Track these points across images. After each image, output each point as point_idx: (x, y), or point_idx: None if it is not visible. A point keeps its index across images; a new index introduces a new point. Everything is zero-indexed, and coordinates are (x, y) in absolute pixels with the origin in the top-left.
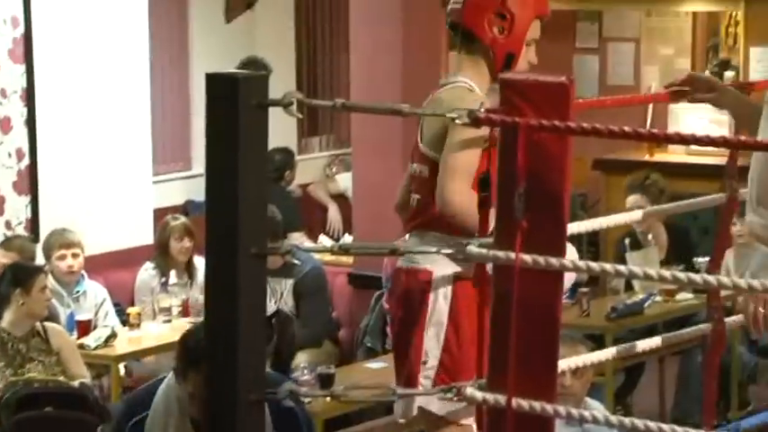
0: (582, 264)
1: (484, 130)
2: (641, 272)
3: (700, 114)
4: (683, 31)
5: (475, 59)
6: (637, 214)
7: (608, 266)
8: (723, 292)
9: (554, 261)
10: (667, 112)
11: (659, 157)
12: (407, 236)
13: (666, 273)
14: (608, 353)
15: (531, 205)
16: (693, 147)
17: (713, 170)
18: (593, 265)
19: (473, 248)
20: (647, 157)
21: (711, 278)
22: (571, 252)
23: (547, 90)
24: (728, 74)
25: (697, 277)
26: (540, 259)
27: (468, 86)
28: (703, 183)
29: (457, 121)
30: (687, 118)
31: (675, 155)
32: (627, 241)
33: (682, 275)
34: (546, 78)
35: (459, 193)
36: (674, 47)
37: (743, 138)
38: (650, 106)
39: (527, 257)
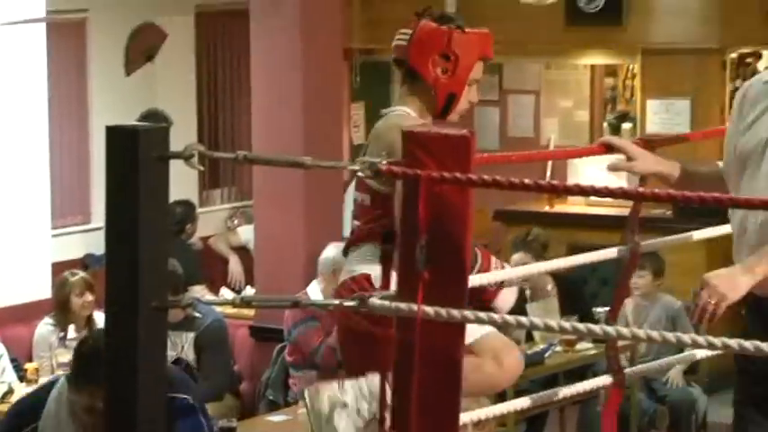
0: (484, 315)
1: None
2: (542, 323)
3: (599, 165)
4: (581, 84)
5: (417, 95)
6: (538, 266)
7: (509, 318)
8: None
9: (456, 313)
10: (567, 164)
11: (559, 208)
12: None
13: (566, 324)
14: (510, 405)
15: (433, 257)
16: (593, 198)
17: (613, 221)
18: (495, 316)
19: (375, 301)
20: (547, 208)
21: (610, 329)
22: (512, 292)
23: (449, 142)
24: (626, 126)
25: (596, 328)
26: (442, 311)
27: (406, 114)
28: (603, 233)
29: (361, 173)
30: (587, 169)
31: (575, 206)
32: (528, 292)
33: (581, 326)
34: (448, 131)
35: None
36: (573, 99)
37: (641, 189)
38: None
39: (429, 309)
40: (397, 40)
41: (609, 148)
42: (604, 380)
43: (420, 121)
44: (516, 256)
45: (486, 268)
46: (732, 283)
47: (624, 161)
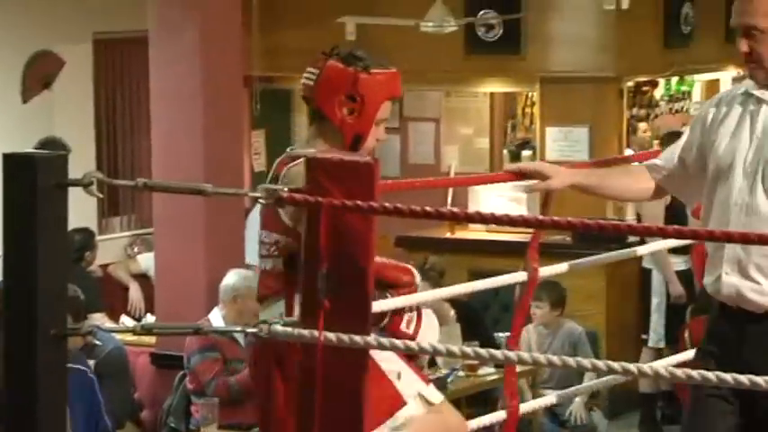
0: (386, 341)
1: None
2: (444, 348)
3: (499, 192)
4: (481, 112)
5: (324, 135)
6: (441, 292)
7: (412, 344)
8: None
9: (358, 339)
10: (468, 191)
11: (460, 234)
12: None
13: (468, 349)
14: None
15: (335, 284)
16: (493, 226)
17: (514, 247)
18: (398, 342)
19: (278, 327)
20: (448, 235)
21: (512, 354)
22: (431, 318)
23: (352, 170)
24: (526, 153)
25: (497, 353)
26: (344, 337)
27: None
28: (504, 259)
29: (262, 201)
30: (487, 196)
31: (476, 232)
32: None
33: (483, 351)
34: (351, 158)
35: None
36: (474, 126)
37: (541, 217)
38: None
39: (331, 336)
40: (305, 79)
41: (521, 175)
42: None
43: None
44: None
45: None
46: None
47: (539, 183)
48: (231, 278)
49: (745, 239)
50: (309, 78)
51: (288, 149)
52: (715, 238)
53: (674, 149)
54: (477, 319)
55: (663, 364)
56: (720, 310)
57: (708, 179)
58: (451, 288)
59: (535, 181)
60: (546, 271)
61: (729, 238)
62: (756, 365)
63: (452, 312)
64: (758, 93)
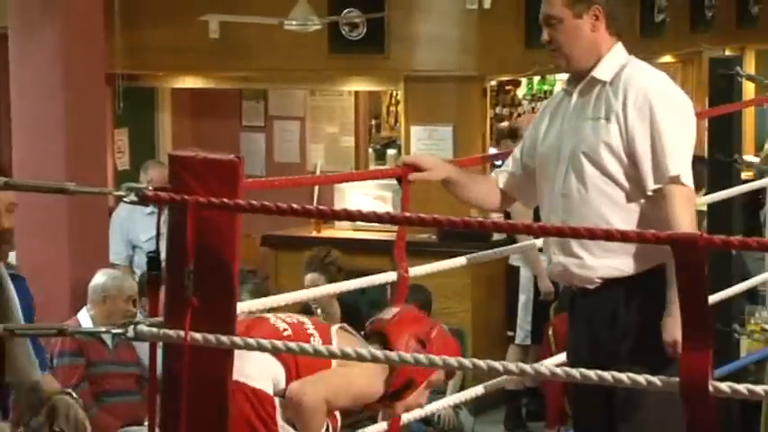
0: (267, 343)
1: None
2: (312, 349)
3: (365, 191)
4: (346, 110)
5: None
6: (312, 292)
7: (293, 345)
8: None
9: (225, 339)
10: (333, 190)
11: (327, 233)
12: None
13: (330, 349)
14: None
15: (201, 283)
16: (359, 223)
17: (380, 245)
18: (279, 344)
19: (143, 328)
20: (314, 233)
21: (379, 353)
22: None
23: (216, 167)
24: (391, 151)
25: (379, 353)
26: (211, 337)
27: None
28: (371, 258)
29: (126, 199)
30: (353, 195)
31: (342, 231)
32: (320, 313)
33: (350, 350)
34: (215, 156)
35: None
36: (339, 125)
37: (408, 214)
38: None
39: (197, 336)
40: (383, 312)
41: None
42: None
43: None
44: (310, 276)
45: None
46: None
47: (419, 174)
48: (100, 278)
49: (576, 234)
50: (389, 311)
51: None
52: (557, 232)
53: (515, 152)
54: (350, 318)
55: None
56: (563, 293)
57: (537, 175)
58: (323, 287)
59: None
60: (416, 271)
61: (560, 232)
62: (587, 338)
63: (339, 313)
64: (567, 86)
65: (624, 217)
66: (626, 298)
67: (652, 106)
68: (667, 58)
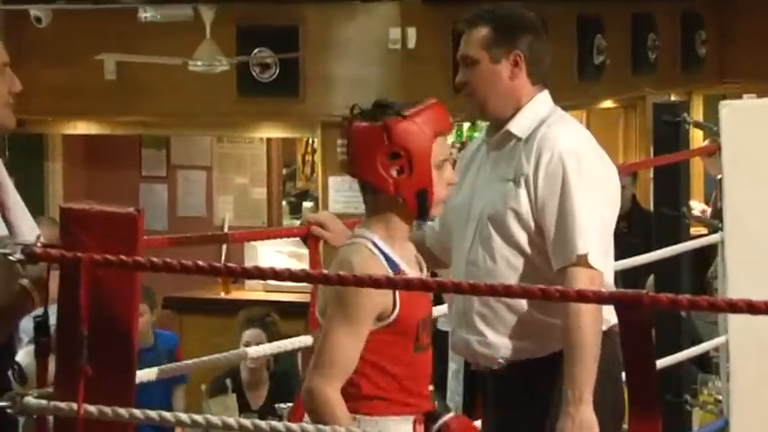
0: (169, 416)
1: (377, 303)
2: (220, 421)
3: (277, 248)
4: (257, 159)
5: (384, 210)
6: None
7: (183, 416)
8: None
9: (122, 412)
10: (243, 247)
11: (236, 294)
12: None
13: (246, 421)
14: None
15: (96, 349)
16: (272, 283)
17: (294, 308)
18: (167, 414)
19: (30, 399)
20: (222, 294)
21: (279, 425)
22: None
23: (113, 222)
24: (307, 204)
25: (280, 426)
26: (107, 410)
27: (368, 245)
28: (285, 322)
29: (12, 258)
30: (265, 252)
31: (253, 292)
32: (204, 388)
33: (263, 424)
34: (112, 209)
35: (325, 394)
36: (249, 175)
37: (325, 272)
38: None
39: (92, 408)
40: (340, 155)
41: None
42: None
43: (375, 257)
44: (250, 332)
45: None
46: (586, 425)
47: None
48: None
49: (476, 290)
50: (343, 152)
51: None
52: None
53: None
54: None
55: None
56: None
57: (449, 234)
58: (231, 352)
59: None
60: None
61: (459, 288)
62: (496, 425)
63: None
64: (486, 134)
65: None
66: (533, 383)
67: (566, 173)
68: (608, 103)
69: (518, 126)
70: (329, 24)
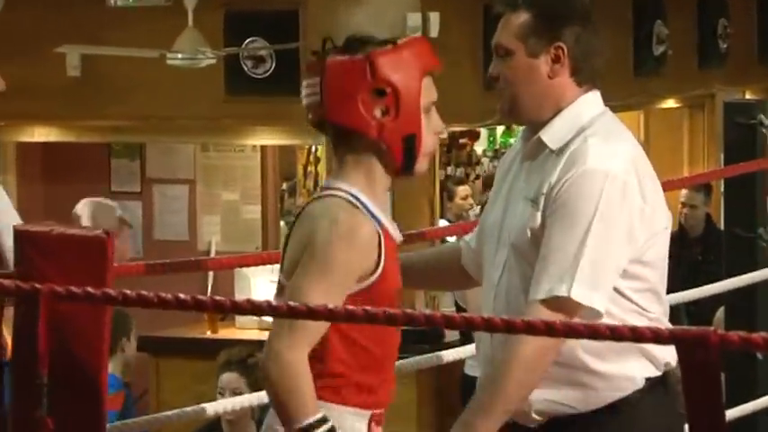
0: None
1: (363, 260)
2: None
3: (273, 277)
4: (249, 171)
5: (361, 159)
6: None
7: None
8: None
9: None
10: (234, 276)
11: (225, 333)
12: None
13: None
14: None
15: (58, 398)
16: (268, 320)
17: None
18: None
19: None
20: (208, 333)
21: None
22: None
23: (77, 246)
24: None
25: None
26: None
27: (349, 199)
28: None
29: None
30: (259, 282)
31: (246, 330)
32: None
33: None
34: (76, 231)
35: (288, 358)
36: (240, 191)
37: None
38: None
39: None
40: (307, 97)
41: None
42: None
43: (360, 212)
44: (227, 377)
45: None
46: None
47: None
48: None
49: (511, 327)
50: (312, 93)
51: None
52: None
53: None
54: None
55: None
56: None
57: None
58: (220, 402)
59: None
60: None
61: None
62: None
63: None
64: (523, 136)
65: None
66: None
67: (580, 193)
68: (670, 103)
69: (551, 135)
70: (334, 9)
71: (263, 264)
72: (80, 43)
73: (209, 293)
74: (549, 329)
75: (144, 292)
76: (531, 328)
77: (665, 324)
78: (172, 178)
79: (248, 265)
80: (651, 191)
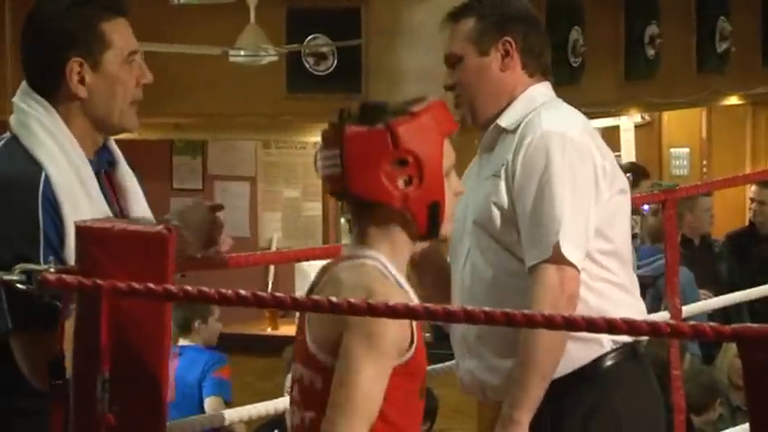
0: None
1: (402, 335)
2: None
3: None
4: (310, 168)
5: (383, 228)
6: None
7: None
8: None
9: None
10: (294, 271)
11: (286, 330)
12: None
13: None
14: None
15: (121, 394)
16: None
17: None
18: None
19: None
20: (269, 330)
21: None
22: None
23: (139, 243)
24: None
25: None
26: None
27: (380, 268)
28: None
29: (19, 286)
30: None
31: None
32: None
33: None
34: (138, 227)
35: None
36: (300, 188)
37: (394, 304)
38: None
39: None
40: (325, 168)
41: None
42: None
43: (390, 283)
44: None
45: None
46: None
47: None
48: None
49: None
50: (332, 165)
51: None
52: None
53: None
54: None
55: None
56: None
57: None
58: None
59: None
60: None
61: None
62: None
63: None
64: (479, 151)
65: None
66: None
67: (548, 154)
68: (733, 100)
69: (507, 118)
70: (397, 6)
71: (326, 258)
72: (142, 41)
73: (269, 289)
74: (507, 319)
75: (205, 289)
76: (530, 321)
77: (632, 293)
78: (233, 175)
79: (309, 259)
80: (607, 153)
